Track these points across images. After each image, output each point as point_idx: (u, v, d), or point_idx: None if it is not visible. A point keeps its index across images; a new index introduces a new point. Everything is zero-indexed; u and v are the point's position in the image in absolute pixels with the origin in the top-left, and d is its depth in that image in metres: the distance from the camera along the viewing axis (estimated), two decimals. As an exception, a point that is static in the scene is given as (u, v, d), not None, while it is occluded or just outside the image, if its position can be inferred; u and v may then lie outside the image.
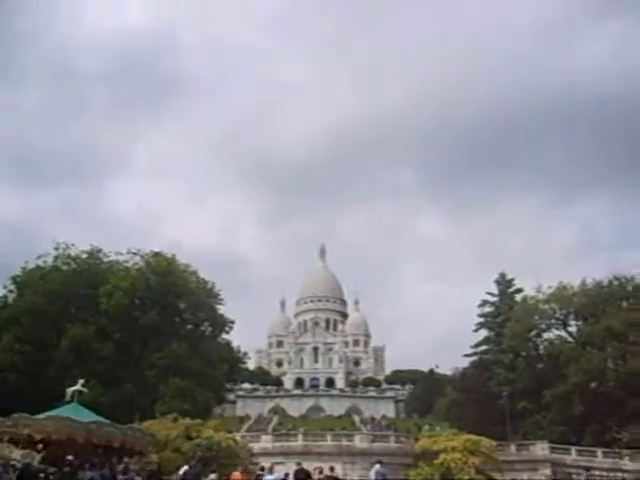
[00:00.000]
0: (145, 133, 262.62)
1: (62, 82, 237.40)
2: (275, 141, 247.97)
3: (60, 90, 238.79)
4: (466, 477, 34.78)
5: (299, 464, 24.01)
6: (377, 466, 24.11)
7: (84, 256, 62.97)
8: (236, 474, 25.21)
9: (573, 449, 46.46)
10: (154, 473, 26.10)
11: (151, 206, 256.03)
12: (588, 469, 42.72)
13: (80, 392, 27.06)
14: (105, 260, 64.29)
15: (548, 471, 41.85)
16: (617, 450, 45.01)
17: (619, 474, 33.44)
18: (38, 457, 24.63)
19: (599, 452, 45.50)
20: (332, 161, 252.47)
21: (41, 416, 23.97)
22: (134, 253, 64.13)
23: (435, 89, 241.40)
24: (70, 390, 26.68)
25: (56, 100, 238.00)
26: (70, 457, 22.10)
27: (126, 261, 64.17)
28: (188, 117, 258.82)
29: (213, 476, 25.24)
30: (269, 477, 24.15)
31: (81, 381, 27.46)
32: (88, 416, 24.62)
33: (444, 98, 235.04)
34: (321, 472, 24.69)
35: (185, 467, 25.97)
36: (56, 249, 62.34)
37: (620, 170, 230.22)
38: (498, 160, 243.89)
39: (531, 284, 65.93)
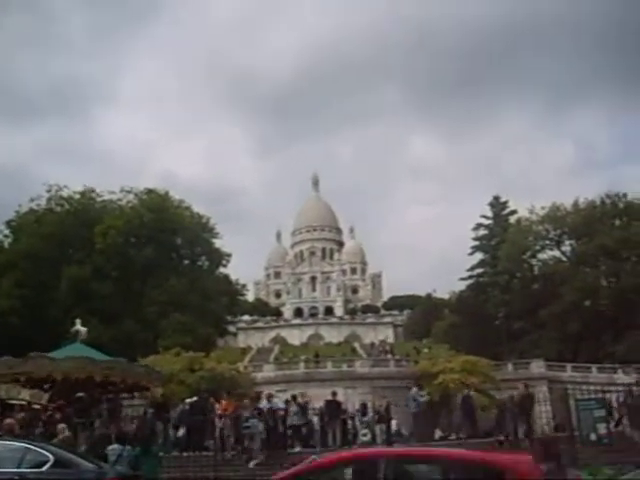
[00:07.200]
0: (129, 62, 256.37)
1: (40, 12, 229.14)
2: (259, 61, 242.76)
3: (38, 21, 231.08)
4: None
5: (334, 394, 25.03)
6: (414, 389, 25.61)
7: (77, 197, 62.85)
8: (223, 402, 25.73)
9: (569, 366, 47.46)
10: (159, 405, 26.53)
11: (142, 138, 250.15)
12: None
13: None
14: (98, 200, 64.21)
15: (545, 388, 42.77)
16: (611, 365, 46.05)
17: (612, 387, 34.27)
18: (46, 396, 25.07)
19: (594, 368, 46.52)
20: (318, 83, 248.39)
21: (61, 356, 24.31)
22: (127, 191, 64.10)
23: (417, 3, 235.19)
24: (82, 330, 27.01)
25: (35, 32, 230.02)
26: (81, 394, 22.56)
27: (119, 199, 64.18)
28: (171, 42, 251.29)
29: (218, 406, 25.85)
30: (265, 404, 24.67)
31: (78, 321, 27.79)
32: (97, 355, 25.04)
33: (426, 12, 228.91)
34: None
35: (189, 400, 26.43)
36: (48, 191, 62.21)
37: (614, 76, 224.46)
38: (487, 74, 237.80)
39: (526, 205, 66.22)
